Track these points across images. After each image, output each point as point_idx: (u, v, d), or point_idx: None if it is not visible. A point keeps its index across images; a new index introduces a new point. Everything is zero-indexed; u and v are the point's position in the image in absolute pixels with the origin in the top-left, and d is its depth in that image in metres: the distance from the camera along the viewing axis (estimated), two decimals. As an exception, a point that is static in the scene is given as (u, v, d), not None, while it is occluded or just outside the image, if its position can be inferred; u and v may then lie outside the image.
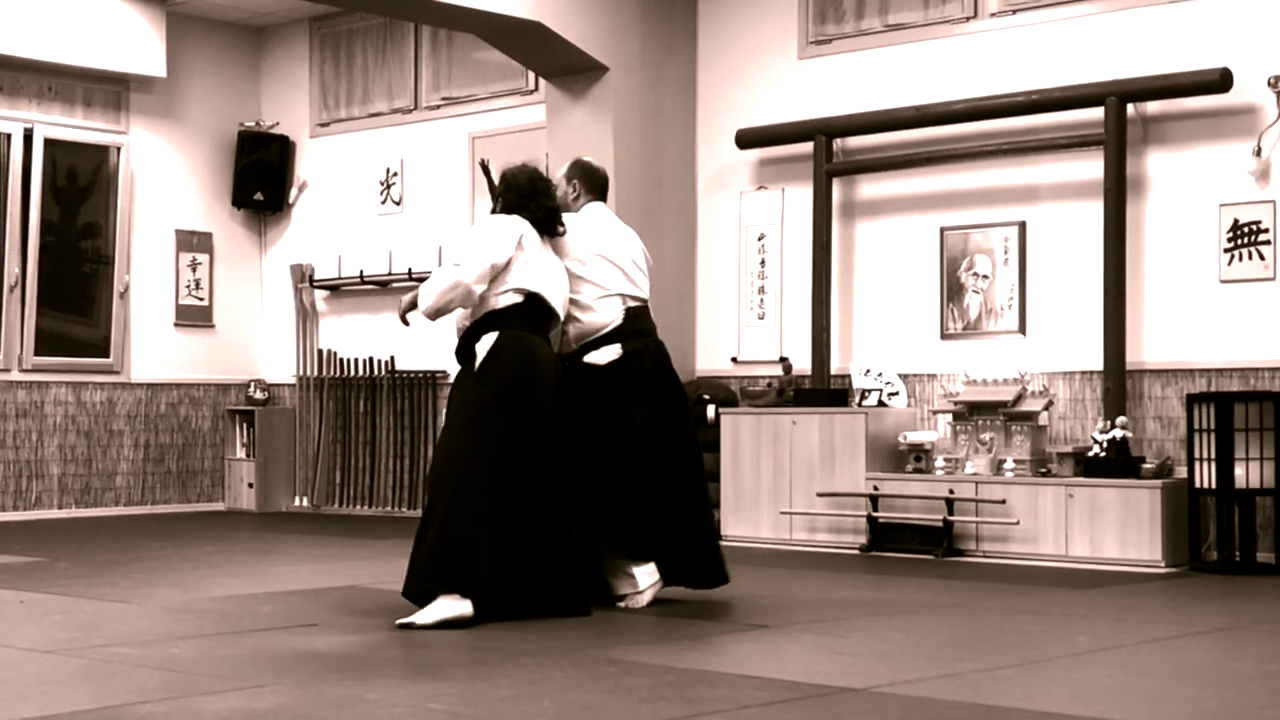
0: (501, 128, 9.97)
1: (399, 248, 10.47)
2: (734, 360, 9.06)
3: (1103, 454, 7.33)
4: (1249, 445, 7.01)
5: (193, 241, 11.05)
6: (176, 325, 10.96)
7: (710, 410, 8.61)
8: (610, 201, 6.08)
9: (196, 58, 11.06)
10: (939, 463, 7.84)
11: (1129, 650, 4.82)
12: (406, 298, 5.62)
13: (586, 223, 5.81)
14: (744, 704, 3.86)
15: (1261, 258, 7.36)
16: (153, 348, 10.83)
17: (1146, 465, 7.32)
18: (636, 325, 5.77)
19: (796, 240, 8.84)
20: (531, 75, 9.70)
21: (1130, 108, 7.65)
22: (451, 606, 5.13)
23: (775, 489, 8.26)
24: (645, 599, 5.61)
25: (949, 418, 7.95)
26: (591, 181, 5.96)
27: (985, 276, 8.18)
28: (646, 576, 5.63)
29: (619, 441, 5.64)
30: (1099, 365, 7.68)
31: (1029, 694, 4.08)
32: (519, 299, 5.42)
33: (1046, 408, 7.71)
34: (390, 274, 10.45)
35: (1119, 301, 7.57)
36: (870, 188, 8.64)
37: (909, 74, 8.48)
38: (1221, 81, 7.36)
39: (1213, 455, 7.03)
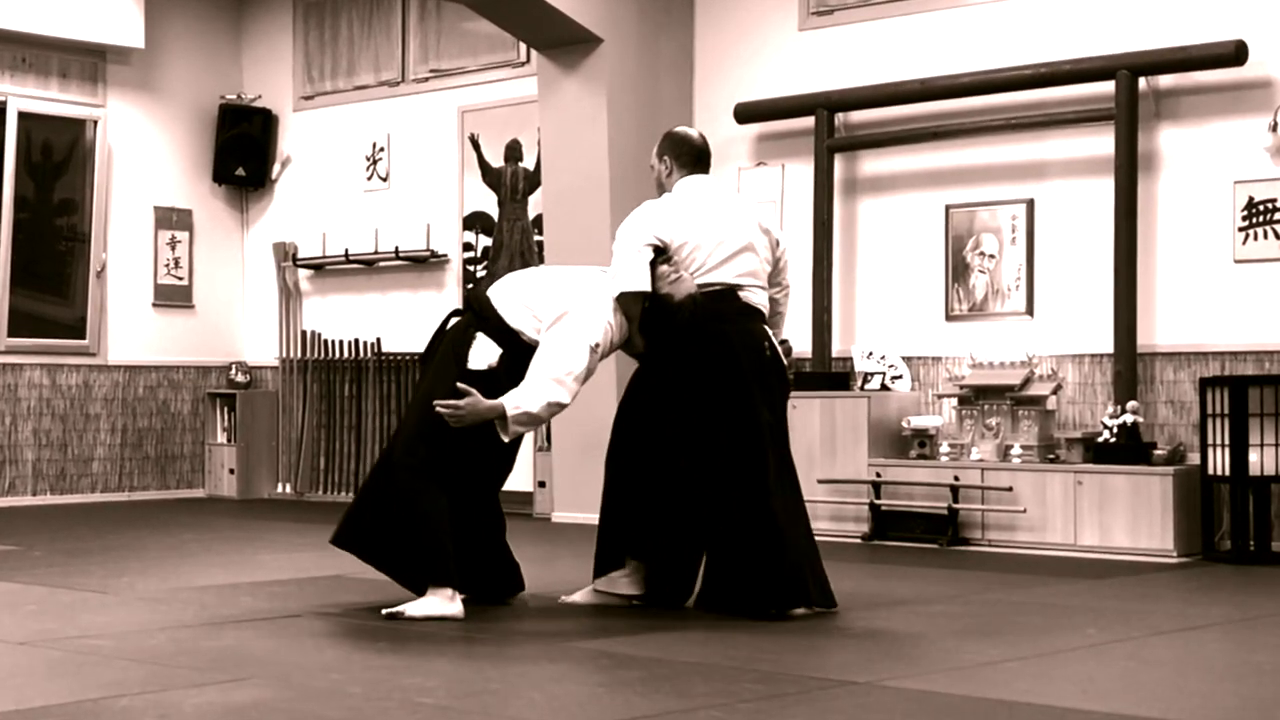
0: (491, 101, 9.87)
1: (385, 225, 10.35)
2: (730, 342, 8.90)
3: (1113, 440, 7.25)
4: (1264, 430, 6.93)
5: (172, 219, 10.90)
6: (155, 305, 10.82)
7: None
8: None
9: (176, 28, 10.91)
10: (944, 448, 7.77)
11: (1139, 642, 4.78)
12: (514, 410, 4.97)
13: (667, 202, 5.25)
14: (741, 698, 3.81)
15: (1277, 236, 7.28)
16: (130, 329, 10.69)
17: (1158, 451, 7.25)
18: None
19: (797, 218, 8.71)
20: (523, 47, 9.59)
21: (1142, 81, 7.57)
22: (442, 606, 5.04)
23: (773, 475, 8.10)
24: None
25: (954, 402, 7.87)
26: (681, 152, 5.33)
27: (992, 256, 8.07)
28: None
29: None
30: (1109, 348, 7.59)
31: (1036, 687, 4.03)
32: None
33: (1055, 392, 7.63)
34: (376, 253, 10.35)
35: (1130, 282, 7.48)
36: (873, 164, 8.54)
37: (914, 46, 8.37)
38: (1236, 54, 7.27)
39: (1226, 441, 6.95)
